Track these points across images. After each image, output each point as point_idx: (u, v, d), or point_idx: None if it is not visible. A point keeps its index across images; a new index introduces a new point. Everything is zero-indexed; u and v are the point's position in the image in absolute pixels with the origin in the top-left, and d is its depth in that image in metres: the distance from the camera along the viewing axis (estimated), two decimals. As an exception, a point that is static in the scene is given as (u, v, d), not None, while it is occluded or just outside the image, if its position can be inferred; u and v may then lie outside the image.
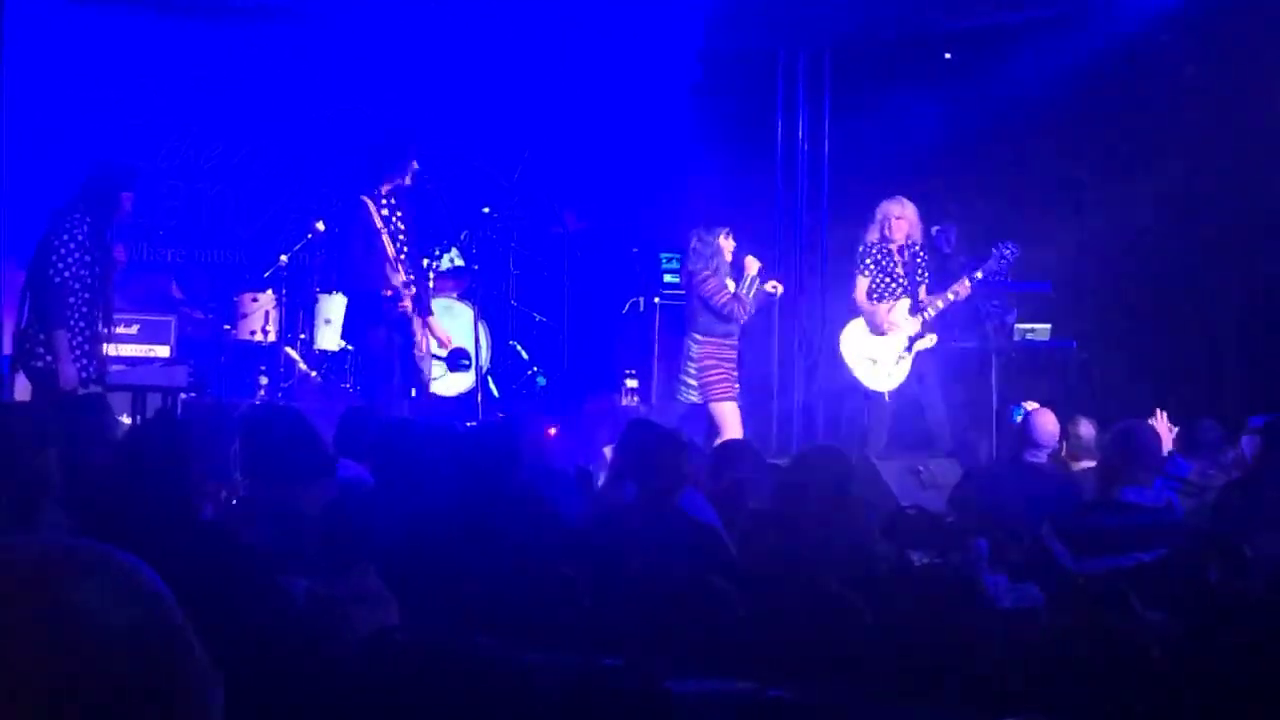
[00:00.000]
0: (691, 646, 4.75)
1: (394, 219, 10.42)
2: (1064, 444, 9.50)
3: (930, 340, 11.78)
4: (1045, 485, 8.50)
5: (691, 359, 11.58)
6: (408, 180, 10.48)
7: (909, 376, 11.72)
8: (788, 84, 14.59)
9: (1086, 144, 13.05)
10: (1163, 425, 9.06)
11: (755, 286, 11.62)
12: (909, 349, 11.71)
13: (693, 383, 11.55)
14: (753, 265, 11.64)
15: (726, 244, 11.56)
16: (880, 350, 11.77)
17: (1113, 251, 12.64)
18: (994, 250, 11.59)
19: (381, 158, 10.55)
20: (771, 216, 14.64)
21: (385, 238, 10.30)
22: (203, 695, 1.40)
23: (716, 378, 11.51)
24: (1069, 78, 12.74)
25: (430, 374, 10.94)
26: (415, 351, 10.49)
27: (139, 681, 1.36)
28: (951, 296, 11.65)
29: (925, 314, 11.69)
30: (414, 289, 10.45)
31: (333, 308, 12.41)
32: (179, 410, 10.46)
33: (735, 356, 11.60)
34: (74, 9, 12.65)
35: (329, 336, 12.64)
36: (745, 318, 11.60)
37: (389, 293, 10.30)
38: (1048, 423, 9.08)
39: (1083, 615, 4.78)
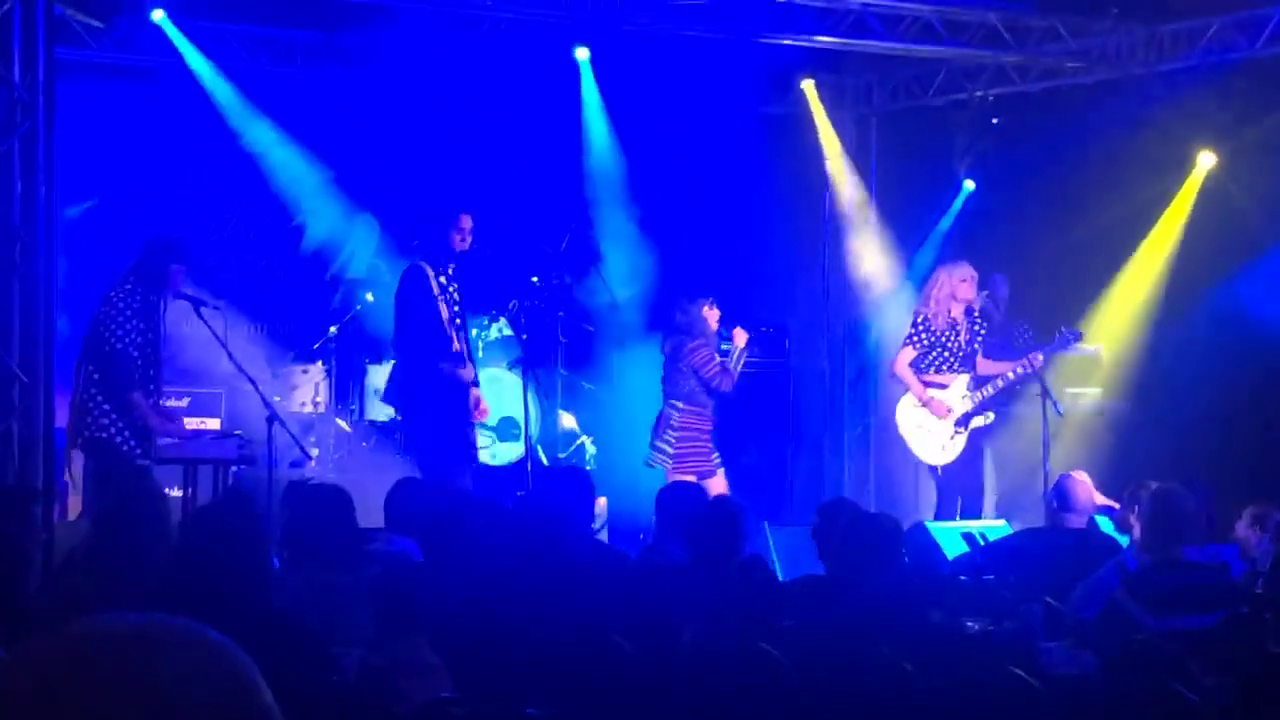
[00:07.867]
0: (745, 714, 4.73)
1: (450, 288, 10.44)
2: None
3: (988, 418, 11.61)
4: (1080, 548, 8.46)
5: (672, 427, 11.45)
6: (466, 243, 10.48)
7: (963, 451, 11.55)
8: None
9: (1132, 208, 13.00)
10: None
11: (743, 359, 11.49)
12: (964, 426, 11.55)
13: (669, 450, 11.40)
14: (741, 338, 11.53)
15: (710, 314, 11.41)
16: (933, 420, 11.65)
17: (1160, 315, 12.57)
18: (1059, 334, 11.49)
19: (436, 228, 10.57)
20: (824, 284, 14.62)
21: (441, 305, 10.32)
22: None
23: (690, 450, 11.38)
24: (1115, 141, 12.72)
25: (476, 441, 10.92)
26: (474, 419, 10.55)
27: None
28: (1011, 376, 11.51)
29: (985, 391, 11.55)
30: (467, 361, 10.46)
31: (382, 378, 12.42)
32: (232, 483, 10.46)
33: (712, 428, 11.41)
34: (129, 85, 12.79)
35: (379, 407, 12.67)
36: (729, 389, 11.42)
37: (445, 365, 10.30)
38: (1082, 488, 9.07)
39: (1139, 681, 4.74)
